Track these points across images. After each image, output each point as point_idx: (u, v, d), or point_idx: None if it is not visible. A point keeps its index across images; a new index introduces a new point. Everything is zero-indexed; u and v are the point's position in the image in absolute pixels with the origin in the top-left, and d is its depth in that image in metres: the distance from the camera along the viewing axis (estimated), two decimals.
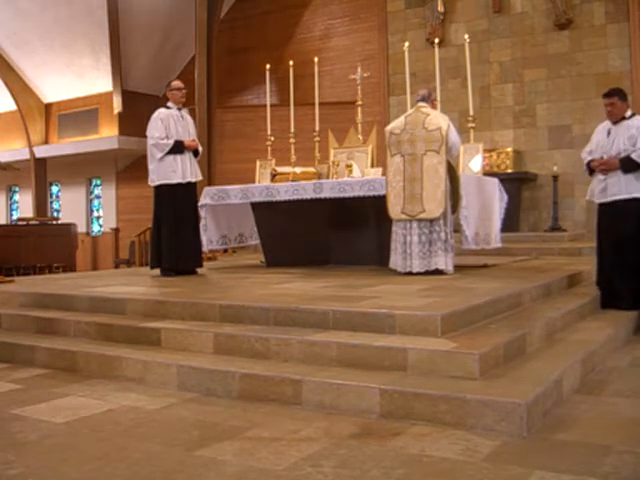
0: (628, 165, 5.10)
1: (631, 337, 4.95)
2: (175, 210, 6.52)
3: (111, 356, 4.03)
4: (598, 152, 5.32)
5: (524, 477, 2.40)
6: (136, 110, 14.19)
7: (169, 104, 6.71)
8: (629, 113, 5.26)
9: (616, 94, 5.26)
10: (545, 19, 11.38)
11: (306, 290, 5.03)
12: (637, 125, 5.16)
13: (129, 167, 16.17)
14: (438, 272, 5.73)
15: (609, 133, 5.28)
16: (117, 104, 14.77)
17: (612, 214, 5.23)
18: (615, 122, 5.27)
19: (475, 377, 3.22)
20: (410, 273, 5.74)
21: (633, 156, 5.08)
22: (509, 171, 11.12)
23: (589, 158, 5.41)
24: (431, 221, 5.74)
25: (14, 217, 18.38)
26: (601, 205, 5.36)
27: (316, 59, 8.41)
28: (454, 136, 5.85)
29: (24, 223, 13.66)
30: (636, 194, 5.13)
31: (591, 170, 5.40)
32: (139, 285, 5.82)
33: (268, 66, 8.44)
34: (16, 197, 18.89)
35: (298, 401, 3.32)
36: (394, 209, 5.90)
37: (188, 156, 6.62)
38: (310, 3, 13.78)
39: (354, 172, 7.23)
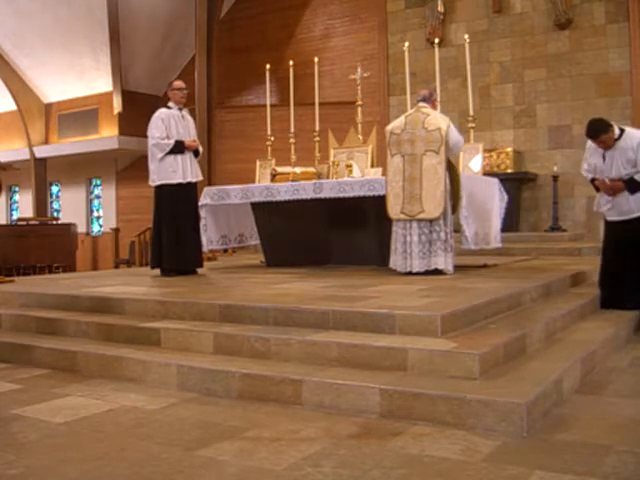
0: (633, 187, 5.08)
1: (631, 337, 4.94)
2: (175, 210, 6.51)
3: (111, 356, 4.03)
4: (597, 175, 5.26)
5: (524, 477, 2.40)
6: (136, 110, 14.19)
7: (170, 104, 6.71)
8: (618, 132, 5.08)
9: (601, 131, 5.02)
10: (545, 19, 11.38)
11: (306, 290, 5.03)
12: (631, 146, 5.02)
13: (129, 167, 16.16)
14: (438, 272, 5.73)
15: (604, 158, 5.16)
16: (117, 104, 14.76)
17: (626, 229, 5.18)
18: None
19: (475, 377, 3.22)
20: (410, 273, 5.74)
21: (637, 177, 5.05)
22: (509, 171, 11.11)
23: (591, 176, 5.36)
24: (431, 221, 5.74)
25: (14, 217, 18.37)
26: (612, 222, 5.31)
27: (316, 59, 8.40)
28: (455, 135, 5.85)
29: (24, 223, 13.66)
30: None
31: (596, 188, 5.38)
32: (139, 285, 5.82)
33: (268, 66, 8.44)
34: (16, 197, 18.89)
35: (298, 401, 3.32)
36: (394, 209, 5.90)
37: (189, 156, 6.62)
38: (310, 3, 13.77)
39: (354, 172, 7.23)
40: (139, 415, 3.24)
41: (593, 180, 5.36)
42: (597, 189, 5.38)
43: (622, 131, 5.12)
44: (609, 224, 5.36)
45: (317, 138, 7.91)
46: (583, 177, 5.56)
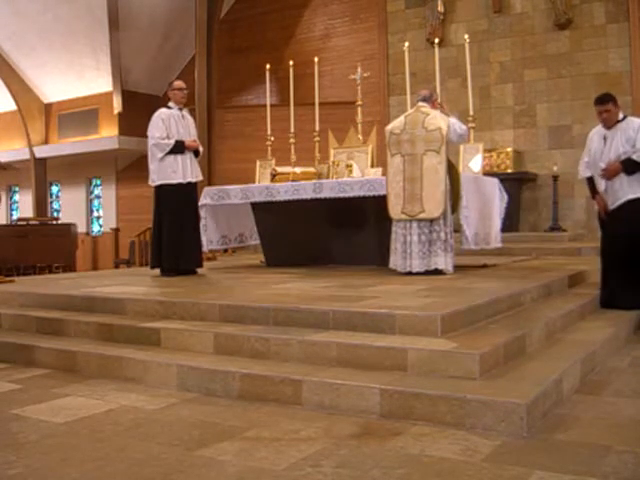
0: (631, 167, 5.10)
1: (631, 337, 4.94)
2: (175, 210, 6.51)
3: (111, 356, 4.03)
4: (597, 159, 5.30)
5: (524, 477, 2.40)
6: (136, 110, 14.19)
7: (170, 104, 6.71)
8: (621, 116, 5.24)
9: (610, 100, 5.23)
10: (545, 19, 11.38)
11: (306, 290, 5.03)
12: (633, 127, 5.13)
13: (129, 167, 16.17)
14: (438, 272, 5.73)
15: (605, 139, 5.24)
16: (117, 104, 14.76)
17: (620, 218, 5.20)
18: (609, 127, 5.25)
19: (475, 377, 3.22)
20: (410, 273, 5.74)
21: (634, 157, 5.07)
22: (509, 171, 11.12)
23: (587, 174, 5.41)
24: (431, 221, 5.74)
25: (14, 217, 18.37)
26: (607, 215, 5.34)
27: (316, 59, 8.39)
28: (458, 126, 5.85)
29: (24, 223, 13.66)
30: None
31: (592, 191, 5.41)
32: (139, 285, 5.82)
33: (268, 66, 8.44)
34: (16, 197, 18.89)
35: (298, 401, 3.32)
36: (394, 209, 5.90)
37: (189, 156, 6.62)
38: (310, 3, 13.77)
39: (354, 172, 7.23)
40: (139, 415, 3.24)
41: (589, 180, 5.40)
42: (592, 194, 5.44)
43: (625, 116, 5.27)
44: (604, 219, 5.37)
45: (317, 138, 7.90)
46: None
